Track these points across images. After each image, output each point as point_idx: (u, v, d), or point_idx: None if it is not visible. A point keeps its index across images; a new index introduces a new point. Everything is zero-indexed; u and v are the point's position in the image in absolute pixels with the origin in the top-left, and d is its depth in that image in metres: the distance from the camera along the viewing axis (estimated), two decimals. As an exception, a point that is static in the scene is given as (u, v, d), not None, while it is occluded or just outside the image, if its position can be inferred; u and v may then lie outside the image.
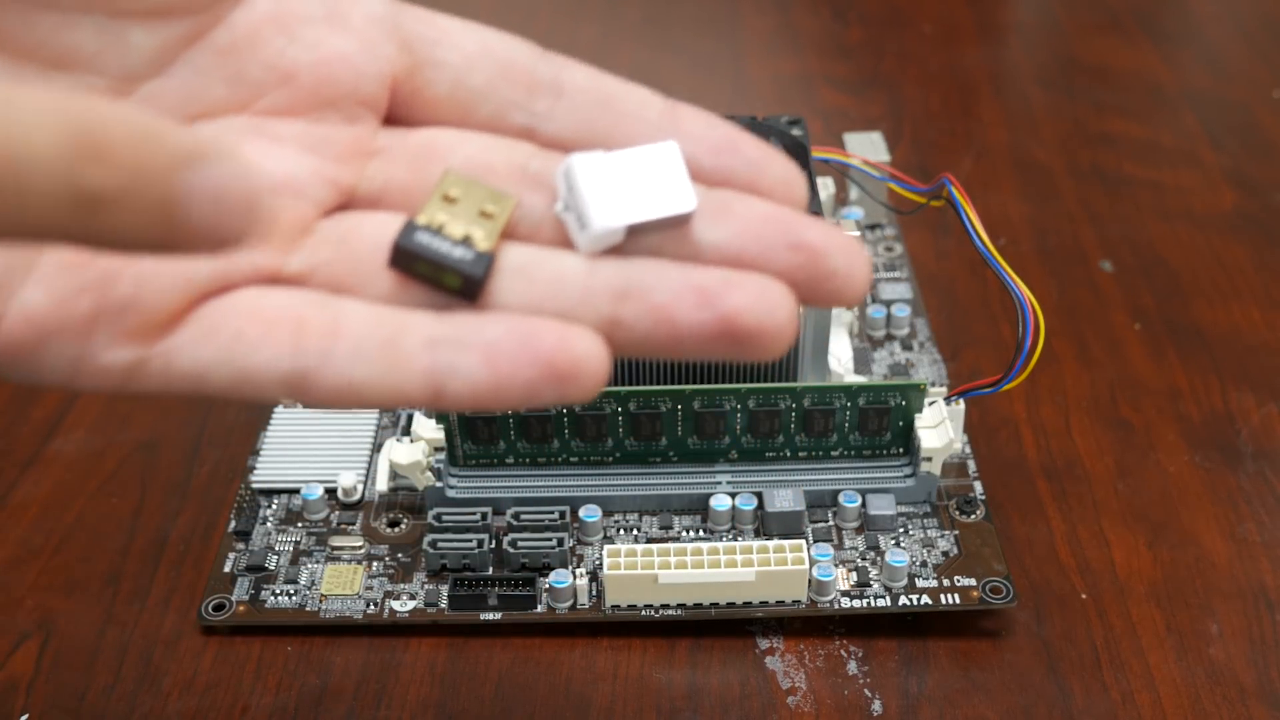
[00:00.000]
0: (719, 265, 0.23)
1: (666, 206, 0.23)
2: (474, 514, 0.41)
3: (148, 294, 0.22)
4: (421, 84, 0.25)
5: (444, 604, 0.40)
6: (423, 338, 0.22)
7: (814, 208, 0.41)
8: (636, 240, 0.23)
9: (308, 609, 0.40)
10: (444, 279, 0.23)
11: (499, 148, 0.25)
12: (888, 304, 0.51)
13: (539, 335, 0.21)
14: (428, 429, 0.42)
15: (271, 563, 0.41)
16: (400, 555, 0.41)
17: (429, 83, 0.25)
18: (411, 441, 0.42)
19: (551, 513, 0.41)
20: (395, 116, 0.25)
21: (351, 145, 0.25)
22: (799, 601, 0.39)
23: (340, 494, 0.43)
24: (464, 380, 0.22)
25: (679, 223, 0.23)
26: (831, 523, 0.42)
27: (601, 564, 0.39)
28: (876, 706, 0.37)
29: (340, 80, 0.24)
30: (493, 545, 0.41)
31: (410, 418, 0.44)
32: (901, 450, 0.43)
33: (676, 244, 0.23)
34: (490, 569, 0.41)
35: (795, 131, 0.45)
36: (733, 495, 0.42)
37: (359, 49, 0.25)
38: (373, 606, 0.40)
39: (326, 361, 0.22)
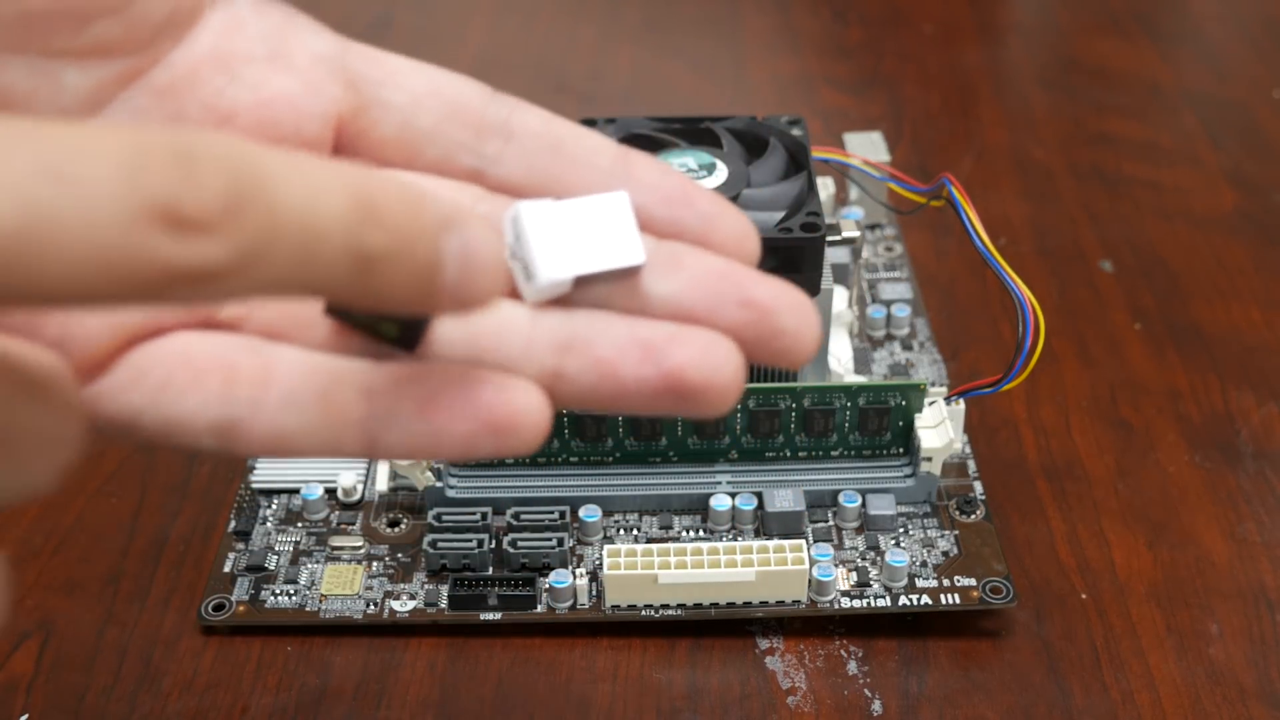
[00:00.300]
0: (667, 319, 0.22)
1: (615, 259, 0.22)
2: (474, 514, 0.41)
3: (75, 337, 0.22)
4: (367, 125, 0.25)
5: (444, 604, 0.40)
6: (358, 388, 0.21)
7: (813, 208, 0.41)
8: (583, 291, 0.23)
9: (308, 609, 0.40)
10: (382, 328, 0.22)
11: (444, 190, 0.24)
12: (888, 304, 0.51)
13: (477, 388, 0.21)
14: (428, 429, 0.42)
15: (271, 563, 0.41)
16: (400, 555, 0.41)
17: (375, 123, 0.25)
18: (411, 441, 0.42)
19: (551, 513, 0.41)
20: (341, 156, 0.25)
21: None
22: (799, 601, 0.39)
23: (340, 494, 0.43)
24: (399, 432, 0.21)
25: (627, 274, 0.22)
26: (831, 523, 0.42)
27: (601, 564, 0.39)
28: (876, 706, 0.37)
29: (282, 121, 0.24)
30: (493, 545, 0.41)
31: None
32: (901, 450, 0.43)
33: (624, 296, 0.23)
34: (490, 569, 0.41)
35: (795, 131, 0.45)
36: (733, 495, 0.42)
37: (302, 89, 0.24)
38: (373, 606, 0.40)
39: (257, 410, 0.21)
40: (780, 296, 0.22)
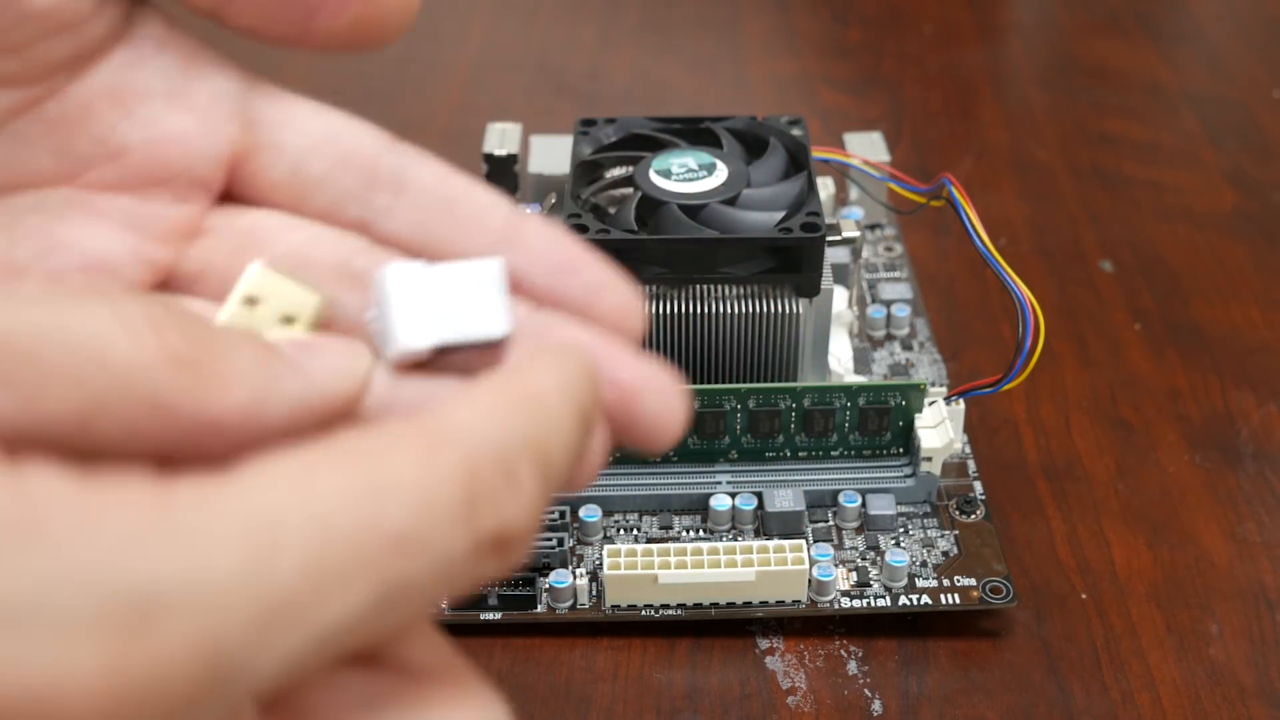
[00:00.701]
0: None
1: (478, 330, 0.21)
2: (474, 514, 0.41)
3: None
4: (258, 167, 0.24)
5: (444, 604, 0.40)
6: None
7: (813, 208, 0.41)
8: (447, 357, 0.22)
9: (308, 609, 0.40)
10: None
11: (327, 239, 0.24)
12: (888, 304, 0.51)
13: None
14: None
15: (271, 563, 0.41)
16: (400, 555, 0.41)
17: (266, 166, 0.24)
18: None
19: (551, 513, 0.41)
20: (234, 194, 0.24)
21: (177, 225, 0.24)
22: (799, 601, 0.39)
23: (340, 494, 0.43)
24: None
25: (492, 345, 0.22)
26: (831, 523, 0.42)
27: (601, 564, 0.39)
28: (876, 706, 0.37)
29: (172, 160, 0.23)
30: (493, 545, 0.41)
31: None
32: (901, 450, 0.43)
33: (488, 365, 0.22)
34: (490, 569, 0.41)
35: (795, 131, 0.45)
36: (733, 495, 0.42)
37: (197, 128, 0.23)
38: (373, 606, 0.40)
39: None
40: (647, 379, 0.22)
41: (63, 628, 0.15)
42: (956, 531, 0.42)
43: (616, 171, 0.44)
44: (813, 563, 0.39)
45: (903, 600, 0.39)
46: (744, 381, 0.43)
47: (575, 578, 0.39)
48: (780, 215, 0.41)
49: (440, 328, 0.21)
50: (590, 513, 0.41)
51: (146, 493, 0.16)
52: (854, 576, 0.40)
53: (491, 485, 0.17)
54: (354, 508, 0.16)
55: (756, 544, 0.39)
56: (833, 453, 0.43)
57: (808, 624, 0.40)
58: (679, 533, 0.42)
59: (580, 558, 0.41)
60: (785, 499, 0.42)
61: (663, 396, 0.22)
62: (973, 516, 0.42)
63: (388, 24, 0.23)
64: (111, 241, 0.23)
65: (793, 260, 0.41)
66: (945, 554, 0.41)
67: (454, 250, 0.23)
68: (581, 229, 0.40)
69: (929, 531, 0.42)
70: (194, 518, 0.16)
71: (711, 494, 0.42)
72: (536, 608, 0.39)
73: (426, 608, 0.18)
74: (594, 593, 0.40)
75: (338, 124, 0.24)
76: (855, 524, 0.42)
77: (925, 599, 0.39)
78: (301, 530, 0.16)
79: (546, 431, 0.19)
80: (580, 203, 0.42)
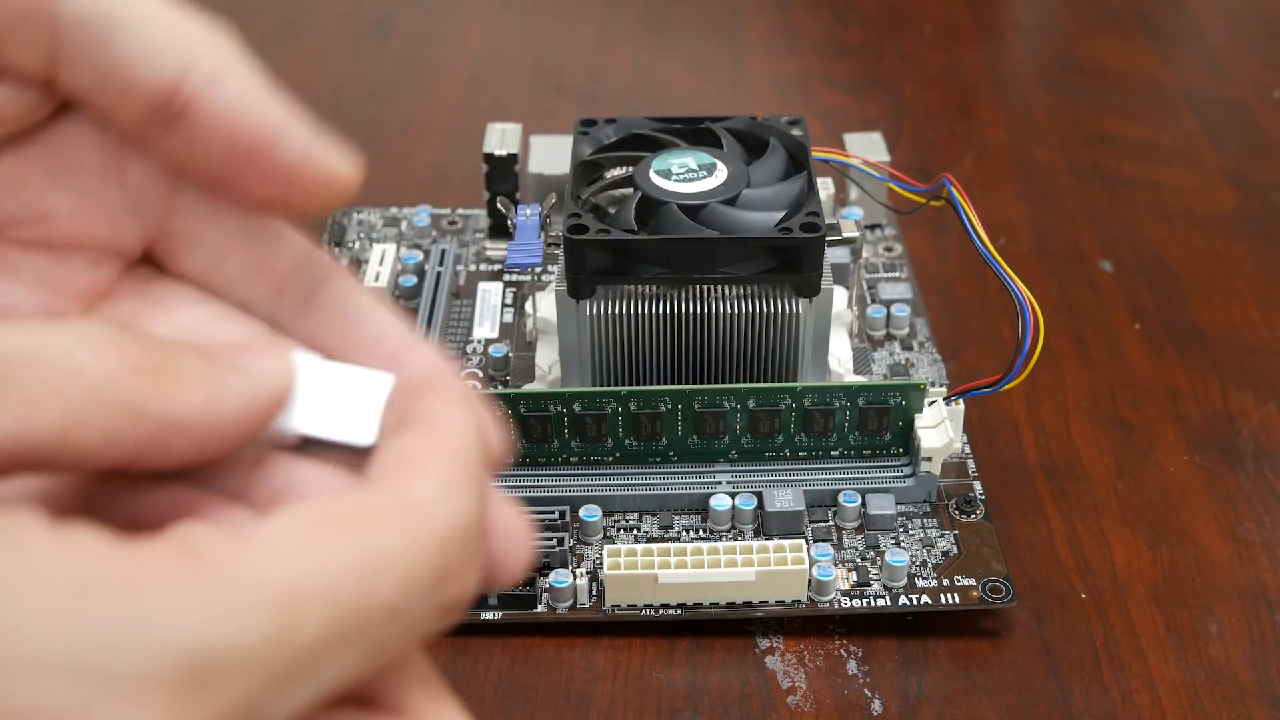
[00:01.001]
0: None
1: (344, 433, 0.23)
2: (474, 514, 0.41)
3: None
4: (178, 250, 0.24)
5: (444, 604, 0.39)
6: None
7: (813, 208, 0.41)
8: (313, 448, 0.23)
9: (308, 609, 0.40)
10: None
11: (229, 320, 0.24)
12: (888, 304, 0.51)
13: None
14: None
15: (271, 563, 0.41)
16: (400, 555, 0.41)
17: (182, 254, 0.24)
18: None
19: (551, 513, 0.41)
20: (153, 257, 0.25)
21: (89, 286, 0.24)
22: (799, 601, 0.39)
23: (340, 494, 0.43)
24: None
25: (355, 451, 0.23)
26: (831, 523, 0.42)
27: (601, 564, 0.39)
28: (876, 706, 0.37)
29: (95, 232, 0.24)
30: (493, 545, 0.41)
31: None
32: (901, 450, 0.43)
33: (343, 463, 0.23)
34: (490, 569, 0.41)
35: (795, 131, 0.45)
36: (733, 495, 0.42)
37: (125, 207, 0.24)
38: (373, 606, 0.40)
39: None
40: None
41: (130, 684, 0.16)
42: (956, 531, 0.42)
43: (616, 171, 0.44)
44: (813, 563, 0.39)
45: (903, 600, 0.39)
46: (744, 381, 0.43)
47: (575, 578, 0.39)
48: (780, 215, 0.41)
49: (312, 419, 0.23)
50: (590, 513, 0.41)
51: (180, 552, 0.18)
52: (854, 576, 0.40)
53: (458, 562, 0.20)
54: (356, 582, 0.19)
55: (756, 544, 0.39)
56: (833, 453, 0.43)
57: (808, 624, 0.40)
58: (679, 533, 0.42)
59: (580, 558, 0.41)
60: (785, 499, 0.42)
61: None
62: (972, 516, 0.42)
63: (310, 203, 0.23)
64: (22, 296, 0.23)
65: (793, 260, 0.41)
66: (945, 554, 0.41)
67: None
68: (581, 229, 0.40)
69: (929, 531, 0.42)
70: (228, 582, 0.18)
71: (711, 494, 0.42)
72: (536, 608, 0.39)
73: (394, 658, 0.20)
74: (594, 593, 0.40)
75: (259, 226, 0.24)
76: (855, 524, 0.42)
77: (925, 599, 0.39)
78: (318, 600, 0.18)
79: (485, 496, 0.21)
80: (580, 203, 0.42)
